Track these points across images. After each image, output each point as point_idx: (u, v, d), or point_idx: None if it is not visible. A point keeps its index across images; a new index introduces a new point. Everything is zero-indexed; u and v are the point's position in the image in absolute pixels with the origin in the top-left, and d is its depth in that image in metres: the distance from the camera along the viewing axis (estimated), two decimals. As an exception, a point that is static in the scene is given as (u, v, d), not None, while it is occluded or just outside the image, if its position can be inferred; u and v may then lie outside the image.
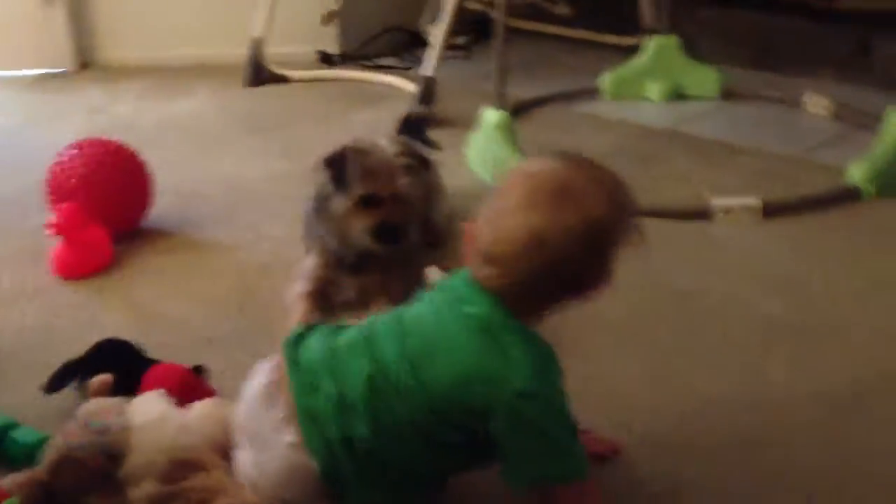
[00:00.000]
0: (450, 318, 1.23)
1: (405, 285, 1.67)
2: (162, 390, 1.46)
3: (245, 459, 1.29)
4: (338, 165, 1.72)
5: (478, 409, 1.19)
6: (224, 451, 1.34)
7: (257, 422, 1.29)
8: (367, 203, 1.72)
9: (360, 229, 1.73)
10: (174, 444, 1.34)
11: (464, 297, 1.24)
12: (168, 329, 1.89)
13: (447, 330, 1.23)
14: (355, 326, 1.31)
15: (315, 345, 1.30)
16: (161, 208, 2.41)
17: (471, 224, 1.26)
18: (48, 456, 1.34)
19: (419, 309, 1.29)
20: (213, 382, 1.63)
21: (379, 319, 1.30)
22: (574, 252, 1.18)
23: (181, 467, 1.30)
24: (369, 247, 1.74)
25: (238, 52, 3.57)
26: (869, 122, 2.82)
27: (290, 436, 1.24)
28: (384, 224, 1.72)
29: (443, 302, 1.26)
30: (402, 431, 1.21)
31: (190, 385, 1.56)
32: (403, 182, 1.71)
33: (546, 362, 1.21)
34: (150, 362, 1.64)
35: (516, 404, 1.17)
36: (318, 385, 1.25)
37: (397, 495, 1.25)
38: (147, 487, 1.30)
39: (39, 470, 1.34)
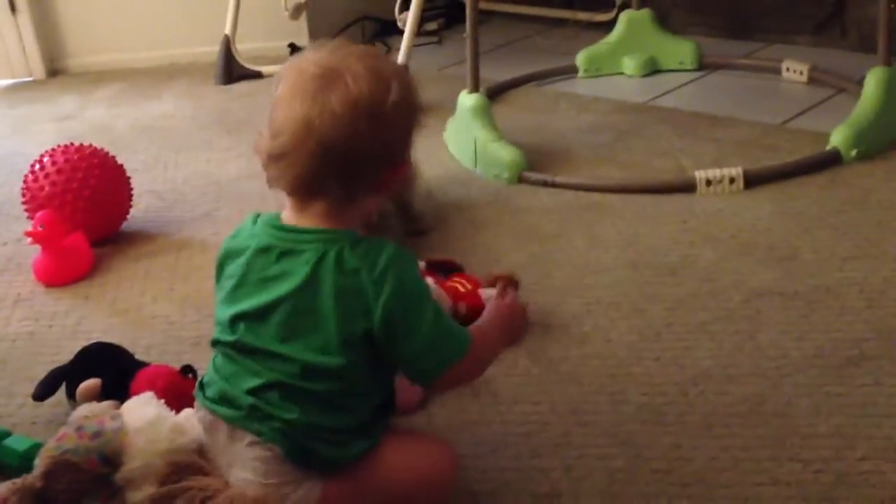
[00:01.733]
0: (298, 293, 1.21)
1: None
2: (151, 392, 1.44)
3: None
4: None
5: (360, 340, 1.20)
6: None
7: (218, 448, 1.28)
8: None
9: None
10: (171, 447, 1.32)
11: (291, 248, 1.23)
12: (155, 331, 1.88)
13: (306, 316, 1.21)
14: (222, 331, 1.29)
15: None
16: (140, 211, 2.40)
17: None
18: (42, 462, 1.32)
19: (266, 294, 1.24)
20: (204, 382, 1.61)
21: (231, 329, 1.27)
22: (345, 132, 1.19)
23: (180, 470, 1.28)
24: None
25: (209, 51, 3.55)
26: (847, 86, 2.82)
27: (245, 439, 1.23)
28: None
29: (286, 283, 1.23)
30: (328, 396, 1.21)
31: (179, 386, 1.54)
32: None
33: (386, 267, 1.19)
34: (139, 365, 1.62)
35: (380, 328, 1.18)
36: (234, 399, 1.25)
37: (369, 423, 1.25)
38: (148, 490, 1.28)
39: (33, 476, 1.32)
